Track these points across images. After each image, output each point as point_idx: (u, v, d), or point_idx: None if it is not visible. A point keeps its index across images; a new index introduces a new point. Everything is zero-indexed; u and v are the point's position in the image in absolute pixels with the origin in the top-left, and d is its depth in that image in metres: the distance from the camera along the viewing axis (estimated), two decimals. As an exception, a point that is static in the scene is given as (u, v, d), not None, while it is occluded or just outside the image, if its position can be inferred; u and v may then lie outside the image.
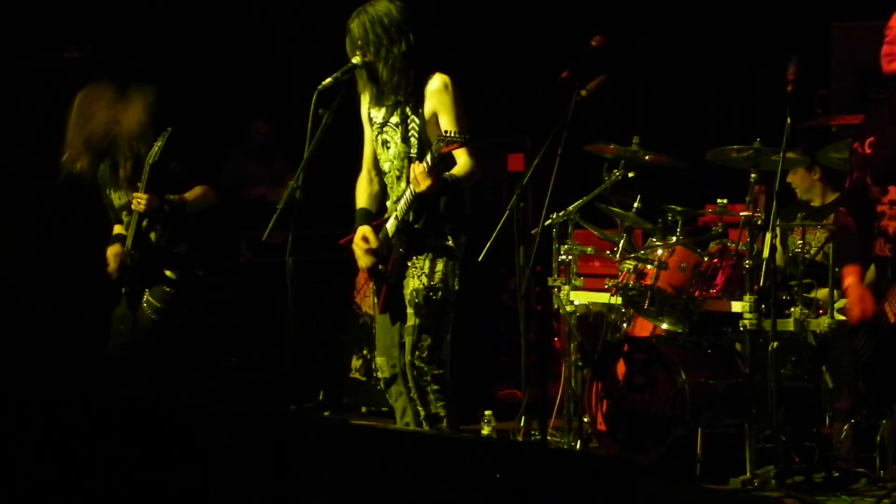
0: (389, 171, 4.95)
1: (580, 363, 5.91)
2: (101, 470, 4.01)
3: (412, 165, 4.71)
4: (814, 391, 5.35)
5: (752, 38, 7.71)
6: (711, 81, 8.11)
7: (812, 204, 6.20)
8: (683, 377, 5.28)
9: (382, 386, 5.08)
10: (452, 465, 3.46)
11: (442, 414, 4.87)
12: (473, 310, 6.36)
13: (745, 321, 5.21)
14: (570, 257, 5.95)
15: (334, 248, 5.32)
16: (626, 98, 8.33)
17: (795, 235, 6.02)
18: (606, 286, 5.77)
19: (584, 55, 4.61)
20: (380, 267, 4.95)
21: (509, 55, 8.53)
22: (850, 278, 4.30)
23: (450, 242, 4.86)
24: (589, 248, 6.05)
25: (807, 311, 5.34)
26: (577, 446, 5.68)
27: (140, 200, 5.63)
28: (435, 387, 4.85)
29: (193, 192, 5.84)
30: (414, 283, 4.84)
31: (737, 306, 5.32)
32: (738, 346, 5.54)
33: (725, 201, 5.77)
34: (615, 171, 5.81)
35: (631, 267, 5.68)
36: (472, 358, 6.64)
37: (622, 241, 5.84)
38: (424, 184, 4.64)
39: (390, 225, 4.90)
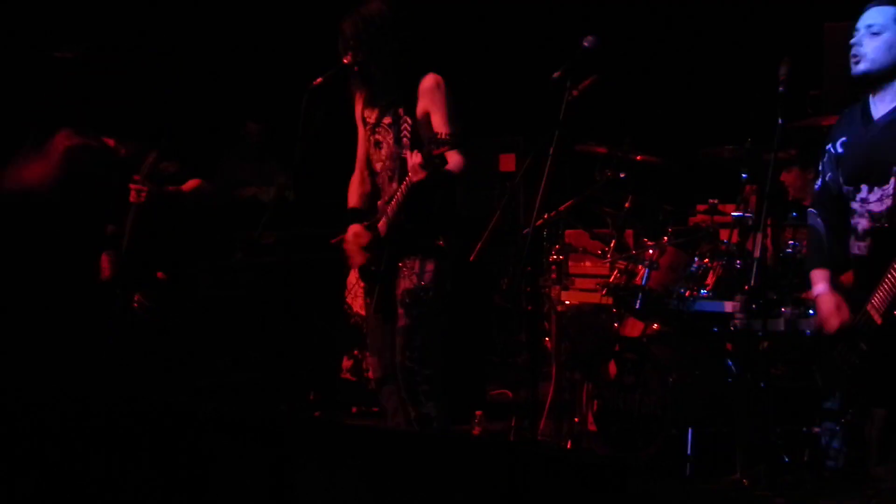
0: (381, 172, 4.95)
1: (571, 363, 5.92)
2: (94, 471, 4.00)
3: (411, 154, 4.68)
4: (804, 391, 5.36)
5: (744, 39, 7.73)
6: (703, 82, 8.12)
7: (804, 203, 6.21)
8: (674, 377, 5.29)
9: (374, 386, 5.08)
10: (443, 466, 3.46)
11: (433, 414, 4.87)
12: (464, 310, 6.36)
13: (736, 321, 5.22)
14: (561, 257, 5.95)
15: (326, 247, 5.32)
16: (617, 98, 8.34)
17: (787, 235, 6.03)
18: (597, 286, 5.78)
19: (576, 55, 4.62)
20: (371, 267, 4.95)
21: (501, 55, 8.54)
22: (819, 285, 4.27)
23: (441, 243, 4.86)
24: (580, 248, 6.06)
25: (798, 311, 5.35)
26: (569, 446, 5.69)
27: (141, 193, 5.64)
28: (426, 387, 4.85)
29: (190, 185, 5.85)
30: (405, 283, 4.84)
31: (728, 306, 5.33)
32: (728, 345, 5.55)
33: (716, 201, 5.78)
34: (607, 171, 5.82)
35: (622, 267, 5.69)
36: (463, 358, 6.64)
37: (613, 242, 5.85)
38: (423, 173, 4.63)
39: (382, 225, 4.90)
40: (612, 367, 5.56)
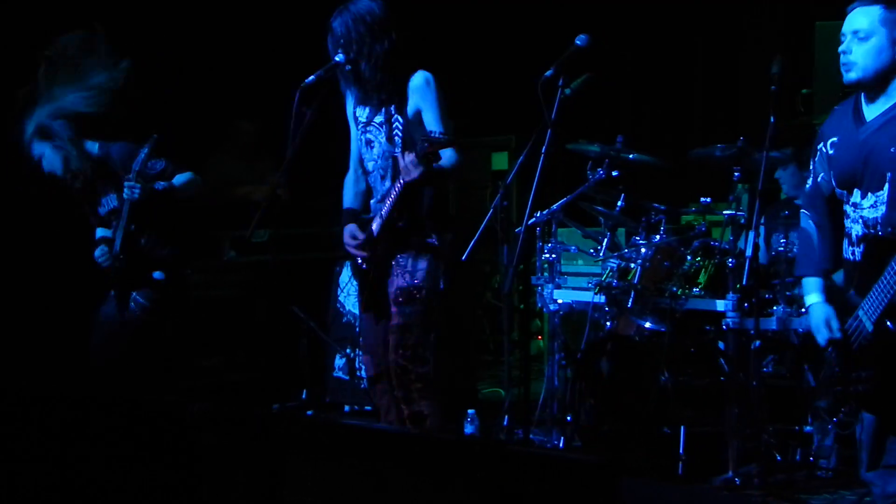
0: (374, 171, 4.94)
1: (563, 362, 5.92)
2: (86, 470, 4.00)
3: (403, 153, 4.68)
4: (796, 390, 5.37)
5: (737, 38, 7.74)
6: (695, 81, 8.13)
7: (797, 202, 6.22)
8: (666, 376, 5.29)
9: (367, 384, 5.08)
10: (435, 464, 3.46)
11: (426, 413, 4.87)
12: (457, 308, 6.36)
13: (728, 320, 5.22)
14: (553, 256, 5.96)
15: (318, 246, 5.32)
16: (610, 97, 8.35)
17: (779, 234, 6.03)
18: (590, 284, 5.78)
19: (568, 54, 4.61)
20: (364, 266, 4.95)
21: (493, 54, 8.54)
22: (811, 296, 4.25)
23: (434, 242, 4.86)
24: (573, 247, 6.07)
25: (790, 310, 5.35)
26: (561, 445, 5.69)
27: (133, 189, 5.63)
28: (419, 385, 4.84)
29: (180, 179, 5.85)
30: (398, 281, 4.84)
31: (720, 305, 5.34)
32: (721, 344, 5.55)
33: (709, 200, 5.78)
34: (599, 169, 5.82)
35: (614, 266, 5.69)
36: (455, 356, 6.63)
37: (606, 240, 5.85)
38: (415, 172, 4.62)
39: (375, 224, 4.90)
40: (605, 366, 5.56)
